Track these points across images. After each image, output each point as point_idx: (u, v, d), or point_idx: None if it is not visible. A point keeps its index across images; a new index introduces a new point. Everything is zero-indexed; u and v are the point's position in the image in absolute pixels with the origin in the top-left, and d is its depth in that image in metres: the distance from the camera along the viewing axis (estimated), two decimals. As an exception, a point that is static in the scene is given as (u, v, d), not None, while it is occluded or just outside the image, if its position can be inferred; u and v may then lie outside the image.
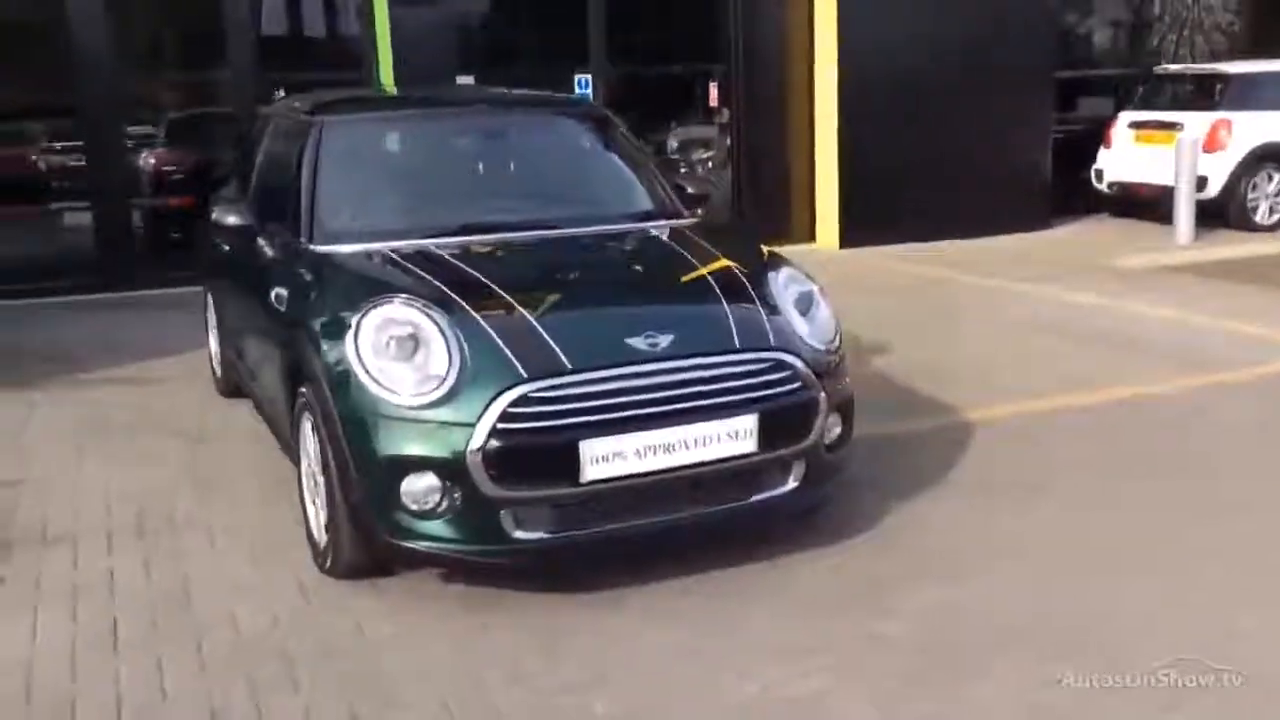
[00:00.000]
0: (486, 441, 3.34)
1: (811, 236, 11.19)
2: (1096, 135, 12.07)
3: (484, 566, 3.57)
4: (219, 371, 5.92)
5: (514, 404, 3.37)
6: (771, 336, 3.77)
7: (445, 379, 3.43)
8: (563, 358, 3.46)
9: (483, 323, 3.55)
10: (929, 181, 10.65)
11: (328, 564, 3.76)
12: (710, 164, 11.63)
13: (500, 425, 3.35)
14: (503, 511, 3.41)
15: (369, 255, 4.09)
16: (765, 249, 4.43)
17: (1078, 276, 9.00)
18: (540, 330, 3.54)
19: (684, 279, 4.06)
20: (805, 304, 4.02)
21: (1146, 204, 11.77)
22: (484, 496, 3.38)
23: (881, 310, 8.06)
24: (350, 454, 3.50)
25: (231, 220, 4.44)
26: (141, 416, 5.73)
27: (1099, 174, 11.95)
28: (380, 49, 9.61)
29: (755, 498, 3.76)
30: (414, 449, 3.40)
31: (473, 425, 3.35)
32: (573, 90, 10.51)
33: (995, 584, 3.70)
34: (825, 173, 10.94)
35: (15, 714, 3.08)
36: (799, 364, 3.74)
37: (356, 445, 3.48)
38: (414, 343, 3.50)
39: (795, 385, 3.72)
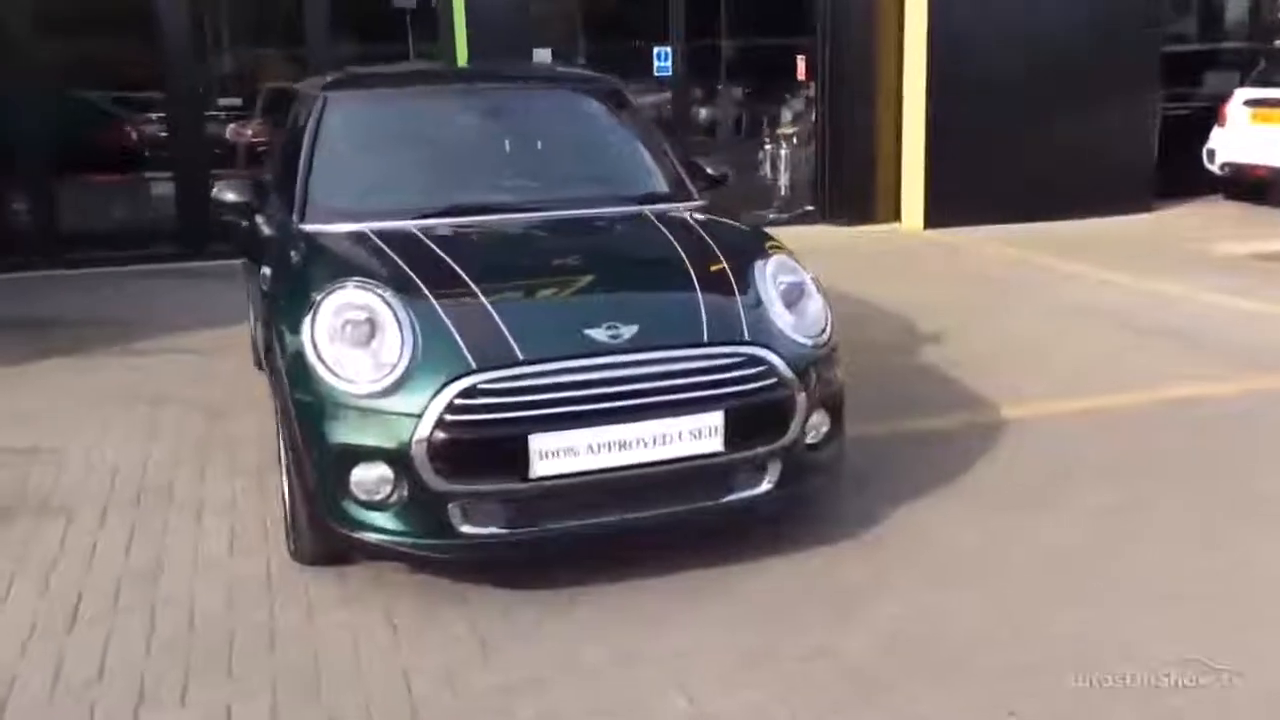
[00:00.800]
0: (432, 433, 3.25)
1: (897, 216, 10.85)
2: (1213, 113, 11.44)
3: (432, 561, 3.49)
4: (256, 344, 5.97)
5: (461, 394, 3.27)
6: (746, 330, 3.59)
7: (396, 367, 3.34)
8: (515, 348, 3.35)
9: (439, 309, 3.45)
10: (1021, 161, 10.22)
11: (293, 549, 3.73)
12: (794, 140, 11.35)
13: (447, 416, 3.26)
14: (450, 505, 3.32)
15: (352, 236, 4.02)
16: (763, 234, 4.24)
17: (1167, 264, 8.53)
18: (496, 318, 3.43)
19: (663, 267, 3.90)
20: (793, 295, 3.83)
21: (1261, 187, 11.12)
22: (430, 490, 3.29)
23: (945, 295, 7.78)
24: (303, 440, 3.46)
25: (229, 197, 4.43)
26: (173, 388, 5.81)
27: (1210, 154, 11.32)
28: (456, 23, 9.59)
29: (727, 498, 3.60)
30: (362, 438, 3.33)
31: (419, 416, 3.26)
32: (651, 64, 10.36)
33: (971, 599, 3.47)
34: (912, 151, 10.57)
35: (-46, 687, 3.11)
36: (774, 359, 3.55)
37: (308, 431, 3.43)
38: (369, 328, 3.42)
39: (768, 382, 3.54)
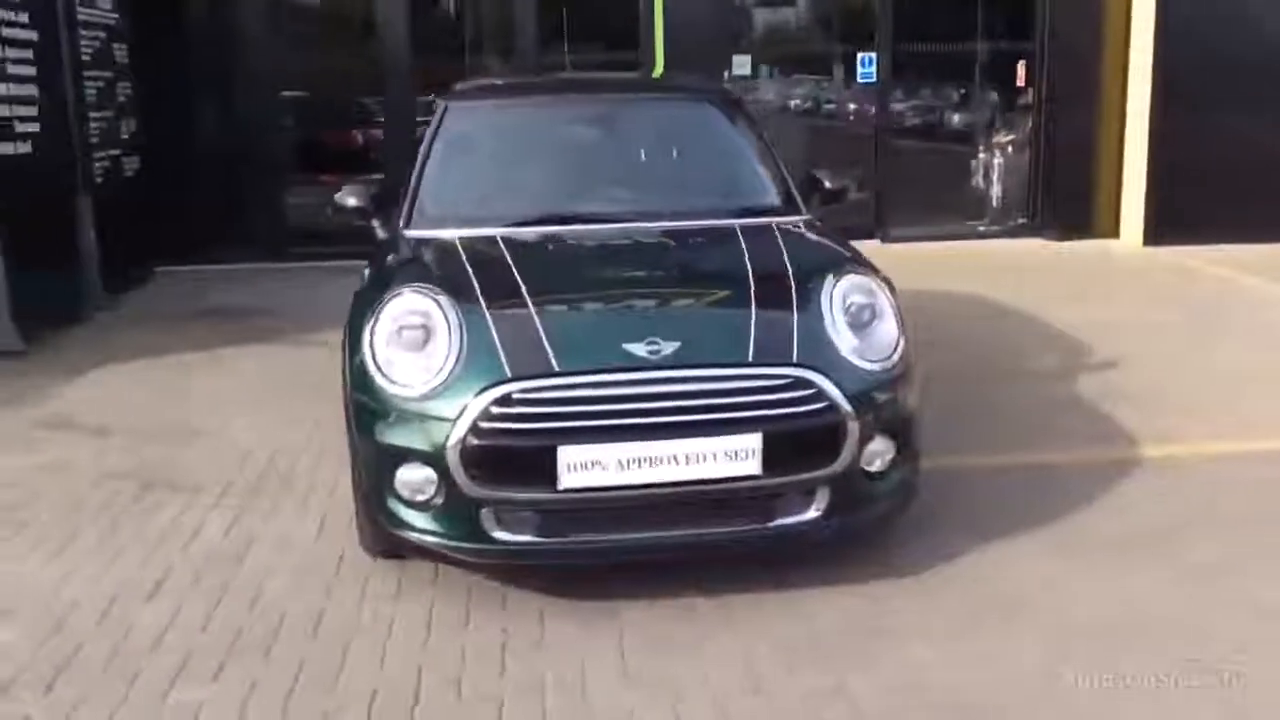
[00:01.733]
0: (465, 438, 3.33)
1: (1116, 232, 10.21)
2: None
3: (466, 564, 3.57)
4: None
5: (496, 402, 3.34)
6: (796, 351, 3.49)
7: (441, 371, 3.44)
8: (552, 359, 3.38)
9: (488, 317, 3.53)
10: (1252, 178, 9.43)
11: (361, 541, 3.90)
12: (1010, 148, 10.86)
13: (481, 423, 3.33)
14: (483, 510, 3.39)
15: (443, 243, 4.17)
16: (848, 253, 4.10)
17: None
18: (539, 328, 3.47)
19: (727, 283, 3.83)
20: (863, 317, 3.69)
21: None
22: (464, 494, 3.37)
23: (1144, 318, 7.31)
24: (359, 438, 3.61)
25: (350, 202, 4.64)
26: (326, 379, 6.13)
27: None
28: (656, 29, 9.71)
29: (770, 524, 3.51)
30: (405, 440, 3.44)
31: (454, 421, 3.34)
32: (854, 70, 10.16)
33: (1007, 652, 3.25)
34: (1133, 164, 9.93)
35: (33, 647, 3.41)
36: (825, 383, 3.44)
37: (363, 430, 3.58)
38: (424, 333, 3.53)
39: (816, 406, 3.43)
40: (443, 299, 3.59)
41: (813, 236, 4.30)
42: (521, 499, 3.39)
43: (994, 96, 10.98)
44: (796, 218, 4.48)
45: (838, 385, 3.45)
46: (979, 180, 11.00)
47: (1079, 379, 5.95)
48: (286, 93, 10.09)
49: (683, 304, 3.83)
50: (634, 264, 4.14)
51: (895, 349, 3.68)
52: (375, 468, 3.54)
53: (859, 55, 10.12)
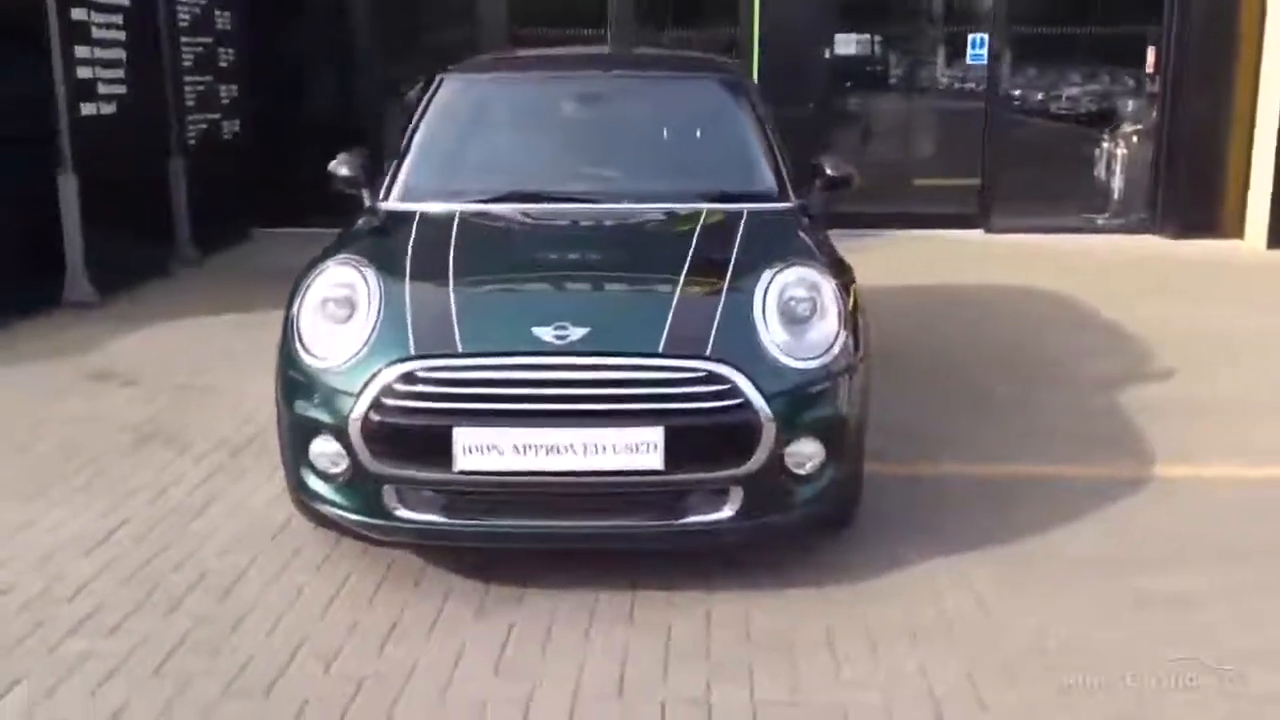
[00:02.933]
0: (367, 413, 3.30)
1: (1240, 233, 9.53)
2: None
3: (369, 540, 3.54)
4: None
5: (399, 379, 3.30)
6: (712, 345, 3.33)
7: (357, 345, 3.42)
8: (457, 338, 3.33)
9: (407, 294, 3.49)
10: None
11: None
12: (1135, 139, 10.23)
13: (383, 399, 3.30)
14: (385, 487, 3.37)
15: (405, 216, 4.15)
16: (809, 245, 3.90)
17: None
18: (453, 307, 3.42)
19: (662, 269, 3.68)
20: (800, 311, 3.50)
21: None
22: (366, 470, 3.35)
23: (1237, 325, 6.80)
24: (281, 407, 3.62)
25: (343, 172, 4.64)
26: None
27: None
28: (755, 6, 9.49)
29: (682, 520, 3.38)
30: (316, 413, 3.42)
31: (356, 396, 3.32)
32: (964, 50, 9.75)
33: (900, 676, 3.04)
34: (1262, 161, 9.23)
35: (-33, 587, 3.56)
36: (740, 379, 3.28)
37: (284, 400, 3.58)
38: (349, 306, 3.52)
39: (730, 403, 3.28)
40: (369, 272, 3.57)
41: (781, 226, 4.10)
42: (421, 478, 3.35)
43: (1118, 82, 10.36)
44: (780, 205, 4.30)
45: (754, 382, 3.29)
46: (1100, 171, 10.41)
47: (1138, 387, 5.56)
48: (392, 64, 10.25)
49: (607, 290, 3.72)
50: (576, 246, 4.05)
51: (831, 347, 3.48)
52: (292, 438, 3.55)
53: (970, 36, 9.68)
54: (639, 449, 3.24)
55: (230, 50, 9.12)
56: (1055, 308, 7.32)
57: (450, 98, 4.67)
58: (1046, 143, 10.44)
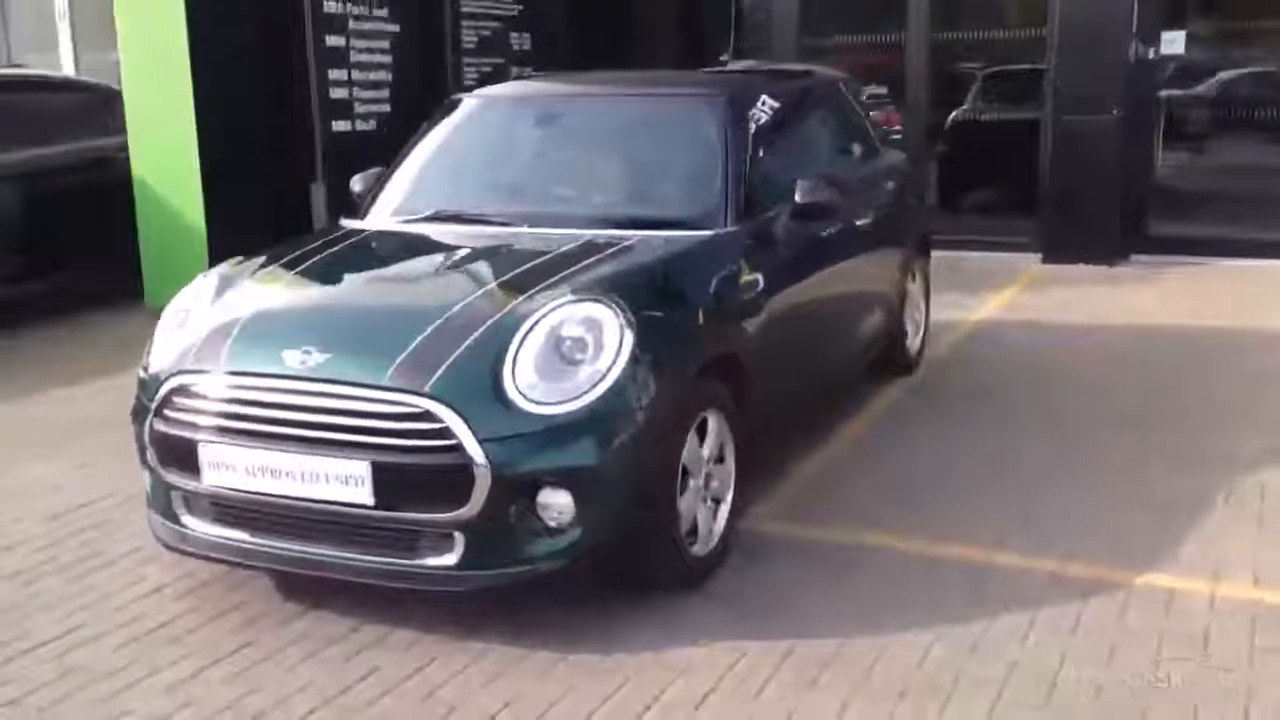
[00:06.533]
0: (152, 421, 3.46)
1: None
2: None
3: (163, 544, 3.63)
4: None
5: (173, 392, 3.42)
6: (435, 381, 3.10)
7: (175, 353, 3.56)
8: (224, 357, 3.39)
9: (229, 307, 3.61)
10: None
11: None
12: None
13: (163, 410, 3.44)
14: (172, 493, 3.50)
15: (345, 233, 4.30)
16: (652, 282, 3.54)
17: None
18: (240, 325, 3.48)
19: (453, 297, 3.45)
20: (567, 351, 3.18)
21: None
22: (158, 475, 3.51)
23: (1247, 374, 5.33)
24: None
25: (356, 188, 4.80)
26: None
27: None
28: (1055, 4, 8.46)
29: (414, 561, 3.20)
30: (138, 417, 3.60)
31: (151, 403, 3.49)
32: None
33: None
34: None
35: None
36: (453, 419, 3.04)
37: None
38: (186, 315, 3.70)
39: (436, 443, 3.06)
40: (213, 284, 3.74)
41: (669, 257, 3.73)
42: (183, 488, 3.44)
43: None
44: (703, 232, 3.91)
45: (470, 424, 3.04)
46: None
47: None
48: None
49: (376, 315, 3.58)
50: (423, 269, 3.97)
51: (591, 391, 3.12)
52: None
53: (1161, 34, 7.97)
54: (349, 482, 3.13)
55: (527, 69, 9.62)
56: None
57: (445, 120, 4.76)
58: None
